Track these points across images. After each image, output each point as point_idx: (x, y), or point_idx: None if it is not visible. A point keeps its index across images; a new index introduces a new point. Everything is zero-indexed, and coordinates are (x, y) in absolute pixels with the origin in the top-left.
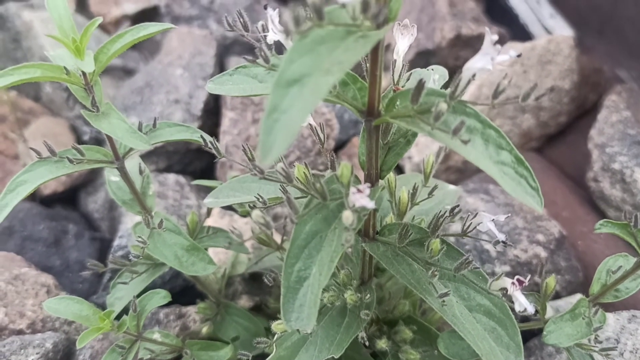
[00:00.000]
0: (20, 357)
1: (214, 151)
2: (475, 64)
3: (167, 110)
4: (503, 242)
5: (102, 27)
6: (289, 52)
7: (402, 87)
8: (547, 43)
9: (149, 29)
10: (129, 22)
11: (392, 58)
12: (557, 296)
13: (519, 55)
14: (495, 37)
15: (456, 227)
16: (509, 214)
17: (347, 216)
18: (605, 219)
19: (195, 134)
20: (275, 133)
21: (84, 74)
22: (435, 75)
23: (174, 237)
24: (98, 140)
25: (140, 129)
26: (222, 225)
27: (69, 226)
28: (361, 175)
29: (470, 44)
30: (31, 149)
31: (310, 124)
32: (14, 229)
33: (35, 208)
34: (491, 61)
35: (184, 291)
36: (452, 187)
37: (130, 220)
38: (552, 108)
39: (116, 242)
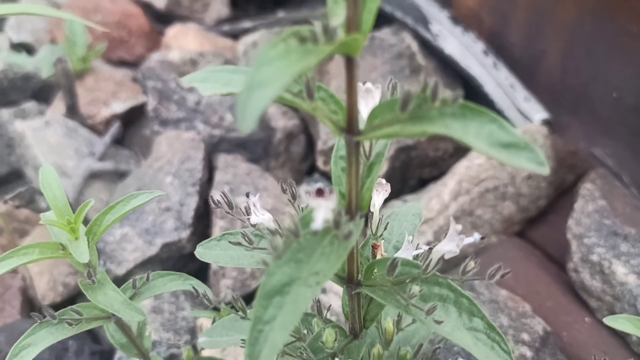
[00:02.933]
0: None
1: (205, 301)
2: (443, 248)
3: (160, 218)
4: None
5: (92, 128)
6: (271, 265)
7: (380, 236)
8: (522, 134)
9: (139, 198)
10: (118, 121)
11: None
12: None
13: (482, 238)
14: (459, 227)
15: None
16: (495, 312)
17: None
18: (614, 315)
19: (187, 282)
20: (260, 344)
21: None
22: (409, 237)
23: None
24: None
25: (134, 286)
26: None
27: (69, 342)
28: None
29: (447, 137)
30: (33, 315)
31: None
32: None
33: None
34: (457, 247)
35: None
36: None
37: None
38: (531, 193)
39: (117, 355)
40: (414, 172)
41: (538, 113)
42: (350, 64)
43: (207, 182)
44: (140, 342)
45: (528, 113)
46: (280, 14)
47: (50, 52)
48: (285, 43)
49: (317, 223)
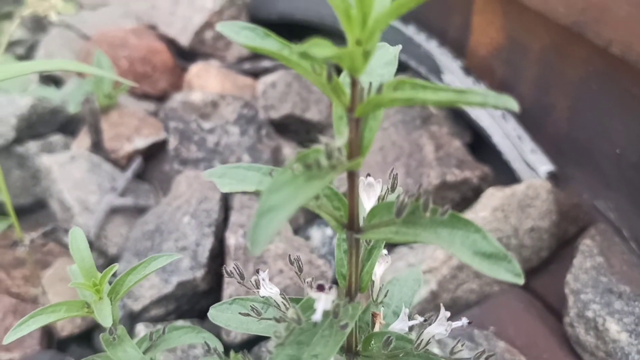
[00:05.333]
0: None
1: (216, 355)
2: (434, 330)
3: None
4: None
5: (115, 162)
6: (276, 349)
7: (381, 302)
8: (525, 189)
9: (159, 261)
10: (140, 156)
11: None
12: None
13: (469, 323)
14: (448, 314)
15: None
16: None
17: None
18: None
19: (200, 335)
20: None
21: None
22: (405, 309)
23: None
24: None
25: (151, 338)
26: None
27: None
28: None
29: (454, 187)
30: None
31: None
32: None
33: (55, 357)
34: (445, 331)
35: None
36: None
37: None
38: (534, 245)
39: None
40: None
41: (544, 165)
42: (352, 175)
43: (223, 222)
44: None
45: (534, 165)
46: None
47: (78, 86)
48: (292, 169)
49: (318, 315)
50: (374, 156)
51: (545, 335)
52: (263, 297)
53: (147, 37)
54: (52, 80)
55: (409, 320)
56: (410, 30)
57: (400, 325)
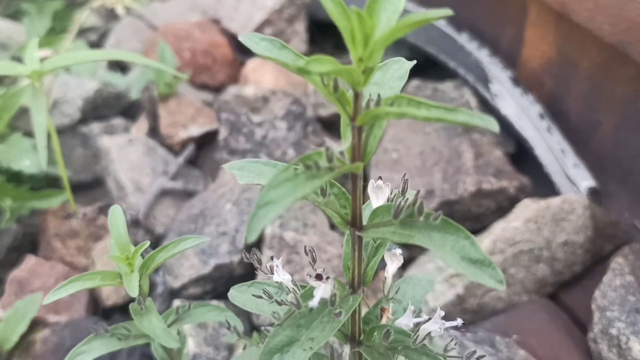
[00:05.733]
0: None
1: (235, 333)
2: (429, 327)
3: (216, 241)
4: None
5: (170, 147)
6: (275, 330)
7: (392, 298)
8: (561, 203)
9: (188, 242)
10: (193, 143)
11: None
12: None
13: (464, 324)
14: (443, 313)
15: None
16: None
17: None
18: None
19: (223, 314)
20: None
21: None
22: (411, 307)
23: None
24: None
25: (177, 312)
26: None
27: None
28: None
29: (490, 196)
30: (92, 327)
31: None
32: None
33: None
34: (439, 329)
35: None
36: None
37: None
38: (567, 259)
39: None
40: None
41: (585, 180)
42: (354, 177)
43: None
44: (178, 358)
45: (575, 179)
46: None
47: (142, 74)
48: (294, 168)
49: (314, 302)
50: (414, 160)
51: (569, 348)
52: (276, 282)
53: (210, 31)
54: (119, 66)
55: (414, 318)
56: (463, 38)
57: (405, 321)
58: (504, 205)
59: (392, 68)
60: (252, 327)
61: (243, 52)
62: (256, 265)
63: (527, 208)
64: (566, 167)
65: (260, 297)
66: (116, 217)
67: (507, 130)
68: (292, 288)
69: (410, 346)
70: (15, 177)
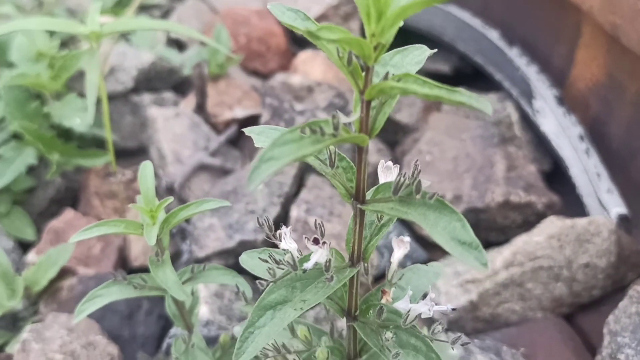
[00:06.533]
0: None
1: (242, 298)
2: (419, 309)
3: (243, 218)
4: None
5: (214, 126)
6: (270, 286)
7: (395, 284)
8: (587, 224)
9: (210, 204)
10: (236, 124)
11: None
12: None
13: (454, 309)
14: (433, 295)
15: None
16: None
17: None
18: None
19: (234, 278)
20: (247, 343)
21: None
22: (409, 291)
23: (203, 356)
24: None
25: (192, 271)
26: None
27: (143, 302)
28: None
29: (518, 209)
30: (111, 273)
31: None
32: None
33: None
34: (429, 311)
35: None
36: (453, 352)
37: None
38: (587, 281)
39: (167, 341)
40: (480, 233)
41: (617, 207)
42: (360, 150)
43: (293, 197)
44: (189, 317)
45: (607, 204)
46: None
47: (197, 53)
48: (300, 130)
49: (310, 264)
50: (446, 164)
51: None
52: (284, 249)
53: (268, 20)
54: (177, 44)
55: (411, 303)
56: (513, 53)
57: (402, 305)
58: (530, 220)
59: (413, 53)
60: None
61: (297, 44)
62: (266, 232)
63: (552, 224)
64: (599, 191)
65: (266, 261)
66: (146, 172)
67: (545, 147)
68: (297, 256)
69: (401, 326)
70: (65, 134)
